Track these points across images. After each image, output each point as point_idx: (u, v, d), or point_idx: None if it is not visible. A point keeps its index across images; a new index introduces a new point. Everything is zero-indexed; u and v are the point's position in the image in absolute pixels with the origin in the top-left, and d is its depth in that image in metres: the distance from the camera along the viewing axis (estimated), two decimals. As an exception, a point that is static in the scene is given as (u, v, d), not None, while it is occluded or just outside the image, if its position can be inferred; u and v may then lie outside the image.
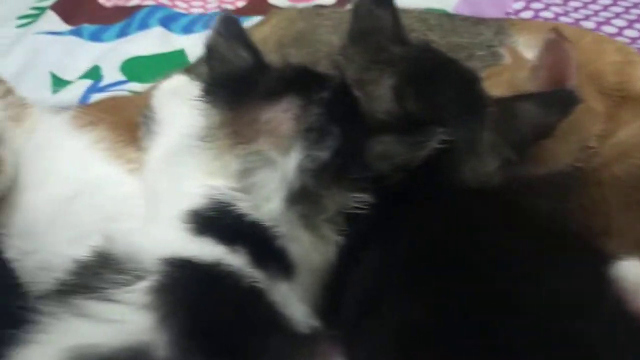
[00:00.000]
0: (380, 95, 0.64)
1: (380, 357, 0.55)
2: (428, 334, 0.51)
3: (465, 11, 1.42)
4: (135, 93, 1.08)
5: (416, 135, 0.60)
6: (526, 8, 1.36)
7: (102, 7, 1.50)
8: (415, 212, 0.60)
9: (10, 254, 0.71)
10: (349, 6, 1.10)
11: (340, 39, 0.82)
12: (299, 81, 0.63)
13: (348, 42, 0.70)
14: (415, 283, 0.56)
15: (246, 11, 1.47)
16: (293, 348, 0.58)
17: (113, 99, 0.92)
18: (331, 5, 1.35)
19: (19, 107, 0.78)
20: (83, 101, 1.07)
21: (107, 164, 0.76)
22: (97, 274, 0.53)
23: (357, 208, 0.60)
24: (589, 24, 1.27)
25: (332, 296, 0.61)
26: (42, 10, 1.45)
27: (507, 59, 0.84)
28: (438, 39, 0.89)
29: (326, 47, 0.83)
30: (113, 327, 0.49)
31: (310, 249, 0.60)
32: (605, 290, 0.52)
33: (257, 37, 0.90)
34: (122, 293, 0.51)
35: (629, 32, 1.24)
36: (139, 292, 0.52)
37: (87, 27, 1.36)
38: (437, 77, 0.66)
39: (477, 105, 0.65)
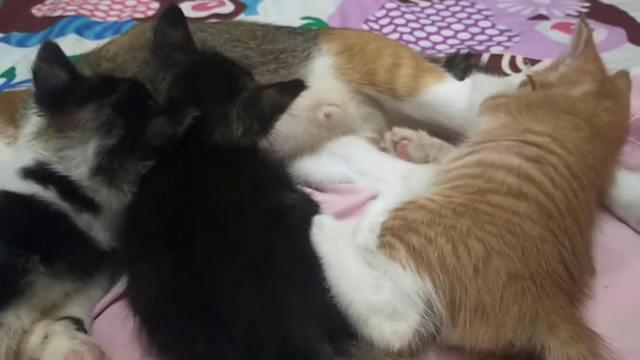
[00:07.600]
0: (162, 88, 0.95)
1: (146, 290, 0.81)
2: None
3: (337, 20, 1.76)
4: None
5: (176, 115, 0.90)
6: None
7: (33, 17, 1.81)
8: (177, 164, 0.90)
9: None
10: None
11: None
12: (99, 88, 0.92)
13: (149, 53, 1.00)
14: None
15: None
16: (97, 258, 0.89)
17: (7, 92, 1.22)
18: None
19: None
20: (-1, 95, 1.37)
21: None
22: None
23: (145, 169, 0.90)
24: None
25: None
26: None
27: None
28: (255, 46, 1.19)
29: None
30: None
31: (111, 197, 0.90)
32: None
33: (120, 42, 1.21)
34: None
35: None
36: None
37: (16, 35, 1.68)
38: (200, 73, 0.97)
39: (231, 91, 0.95)
